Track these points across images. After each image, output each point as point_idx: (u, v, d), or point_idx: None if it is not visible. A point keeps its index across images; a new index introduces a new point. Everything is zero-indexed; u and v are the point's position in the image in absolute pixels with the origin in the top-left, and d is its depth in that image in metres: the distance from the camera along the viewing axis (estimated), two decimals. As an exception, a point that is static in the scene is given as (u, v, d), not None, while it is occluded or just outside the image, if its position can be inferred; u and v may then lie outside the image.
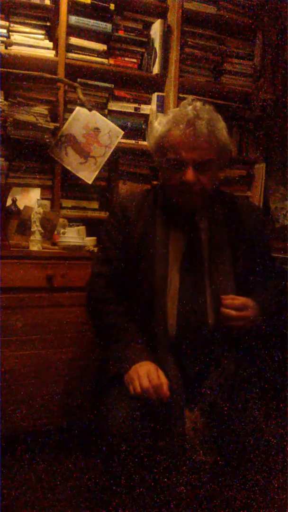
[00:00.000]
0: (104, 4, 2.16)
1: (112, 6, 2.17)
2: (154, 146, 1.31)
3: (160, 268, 1.27)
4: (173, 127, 1.23)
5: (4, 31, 2.02)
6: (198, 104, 1.25)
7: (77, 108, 2.08)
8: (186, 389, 1.21)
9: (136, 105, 2.29)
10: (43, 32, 2.08)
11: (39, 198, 1.97)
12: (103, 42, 2.18)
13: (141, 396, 1.13)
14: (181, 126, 1.21)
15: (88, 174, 2.13)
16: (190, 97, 1.30)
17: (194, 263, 1.30)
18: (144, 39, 2.27)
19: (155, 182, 2.27)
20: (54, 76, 2.01)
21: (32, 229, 1.78)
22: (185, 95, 2.24)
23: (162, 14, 2.27)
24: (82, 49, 2.14)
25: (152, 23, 2.28)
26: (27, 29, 2.06)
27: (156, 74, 2.25)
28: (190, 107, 1.23)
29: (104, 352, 1.34)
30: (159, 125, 1.29)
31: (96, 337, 1.42)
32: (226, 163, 1.32)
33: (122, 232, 1.34)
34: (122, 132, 2.17)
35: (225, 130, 1.27)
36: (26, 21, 2.06)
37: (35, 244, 1.76)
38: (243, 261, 1.32)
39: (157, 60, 2.23)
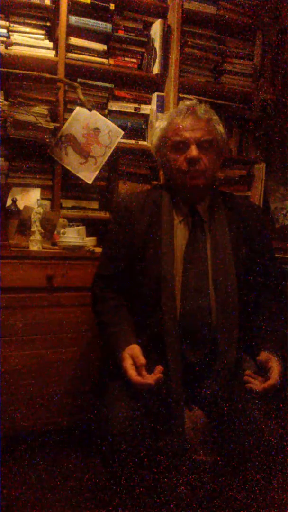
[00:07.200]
0: (104, 4, 2.16)
1: (112, 6, 2.17)
2: (157, 141, 1.40)
3: (166, 262, 1.28)
4: (175, 116, 1.36)
5: (4, 31, 2.02)
6: (194, 100, 1.41)
7: (77, 108, 2.08)
8: (186, 389, 1.22)
9: (136, 105, 2.29)
10: (43, 32, 2.08)
11: (39, 198, 1.97)
12: (103, 42, 2.18)
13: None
14: (182, 113, 1.35)
15: (88, 174, 2.13)
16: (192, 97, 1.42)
17: (196, 258, 1.31)
18: (144, 39, 2.26)
19: (155, 182, 2.27)
20: (54, 76, 2.00)
21: (32, 229, 1.78)
22: (185, 95, 2.24)
23: (162, 14, 2.27)
24: (82, 49, 2.14)
25: (152, 23, 2.28)
26: (27, 29, 2.06)
27: (156, 74, 2.25)
28: (187, 101, 1.40)
29: (103, 351, 1.35)
30: (160, 121, 1.42)
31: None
32: (223, 152, 1.41)
33: (127, 228, 1.36)
34: (122, 132, 2.17)
35: (219, 122, 1.40)
36: (26, 21, 2.06)
37: (35, 244, 1.76)
38: (244, 259, 1.33)
39: (157, 60, 2.23)
